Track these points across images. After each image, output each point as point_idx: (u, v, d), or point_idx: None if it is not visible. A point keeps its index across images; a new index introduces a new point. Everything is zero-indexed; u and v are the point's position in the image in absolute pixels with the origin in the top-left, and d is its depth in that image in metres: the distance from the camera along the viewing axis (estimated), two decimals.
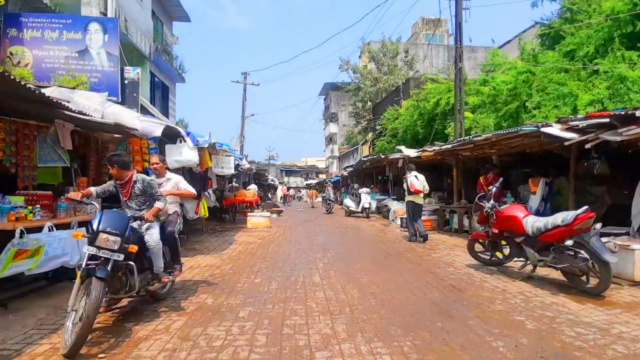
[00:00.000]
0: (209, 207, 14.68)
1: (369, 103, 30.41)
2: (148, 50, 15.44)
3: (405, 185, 9.55)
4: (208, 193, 11.59)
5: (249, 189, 19.14)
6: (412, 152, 12.55)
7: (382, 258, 7.30)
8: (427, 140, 15.01)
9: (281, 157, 62.85)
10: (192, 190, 4.93)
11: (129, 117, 6.73)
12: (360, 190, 16.45)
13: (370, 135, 31.31)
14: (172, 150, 7.07)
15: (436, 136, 15.71)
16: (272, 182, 39.02)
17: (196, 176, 12.13)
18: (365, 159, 18.24)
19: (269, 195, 29.80)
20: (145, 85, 15.50)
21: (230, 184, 20.06)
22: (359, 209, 16.08)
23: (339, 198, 27.49)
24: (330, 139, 48.79)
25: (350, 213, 16.80)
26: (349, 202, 16.73)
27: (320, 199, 27.96)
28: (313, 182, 48.65)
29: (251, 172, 22.58)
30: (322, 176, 50.20)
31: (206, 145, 7.74)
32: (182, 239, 8.83)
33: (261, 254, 7.89)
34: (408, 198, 9.37)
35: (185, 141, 7.00)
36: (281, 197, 33.64)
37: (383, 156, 14.92)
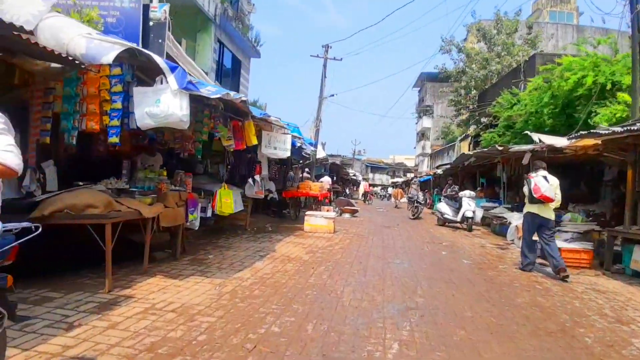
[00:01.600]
0: (266, 199, 11.81)
1: (474, 91, 25.10)
2: (213, 10, 13.03)
3: (526, 189, 6.24)
4: (252, 181, 8.57)
5: (321, 181, 16.02)
6: (559, 141, 8.06)
7: (536, 346, 3.32)
8: (557, 133, 10.34)
9: (368, 153, 58.93)
10: (8, 157, 1.58)
11: (72, 34, 3.80)
12: (462, 194, 12.11)
13: (472, 129, 25.99)
14: (145, 97, 3.97)
15: (573, 128, 10.96)
16: (355, 177, 35.59)
17: (243, 157, 9.22)
18: (470, 153, 13.74)
19: (347, 190, 26.38)
20: (207, 51, 13.16)
21: (302, 174, 17.17)
22: (458, 218, 11.79)
23: (428, 200, 22.94)
24: (422, 135, 43.62)
25: (444, 222, 12.58)
26: (444, 207, 12.50)
27: (406, 199, 23.74)
28: (400, 180, 44.07)
29: (327, 163, 19.40)
30: (410, 175, 45.22)
31: (216, 96, 4.55)
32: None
33: (291, 289, 4.46)
34: (529, 208, 6.24)
35: (167, 82, 3.86)
36: (362, 194, 30.06)
37: (501, 147, 10.42)
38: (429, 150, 40.17)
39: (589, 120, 10.78)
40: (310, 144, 13.71)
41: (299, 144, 10.53)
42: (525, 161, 10.45)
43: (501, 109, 16.60)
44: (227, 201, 6.33)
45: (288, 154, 8.89)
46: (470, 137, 27.47)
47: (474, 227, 11.61)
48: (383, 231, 10.67)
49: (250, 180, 8.59)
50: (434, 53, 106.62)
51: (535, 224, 6.13)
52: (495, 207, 12.55)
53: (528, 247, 6.23)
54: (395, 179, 49.28)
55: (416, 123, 45.65)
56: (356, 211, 14.62)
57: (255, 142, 7.62)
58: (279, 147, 8.77)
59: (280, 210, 12.78)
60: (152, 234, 4.86)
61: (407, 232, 10.90)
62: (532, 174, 6.25)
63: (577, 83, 11.27)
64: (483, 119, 23.90)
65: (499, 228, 10.92)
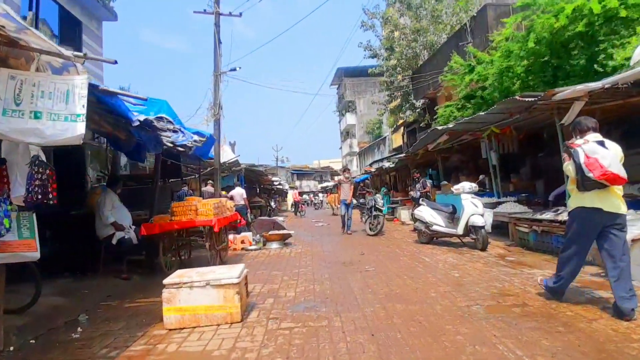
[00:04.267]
0: (111, 244, 5.83)
1: (404, 72, 21.14)
2: None
3: (570, 167, 3.33)
4: None
5: (230, 195, 10.24)
6: None
7: None
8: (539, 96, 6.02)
9: (292, 160, 53.56)
10: None
11: None
12: (457, 188, 7.21)
13: (407, 115, 21.99)
14: None
15: (556, 85, 7.32)
16: (281, 187, 29.92)
17: None
18: (448, 126, 8.94)
19: (272, 203, 20.59)
20: None
21: (205, 187, 11.18)
22: (459, 230, 6.84)
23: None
24: (347, 133, 39.65)
25: (431, 236, 7.57)
26: (429, 213, 7.47)
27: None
28: (330, 184, 39.48)
29: (239, 169, 13.46)
30: (338, 177, 40.94)
31: None
32: None
33: None
34: (579, 200, 3.37)
35: None
36: (292, 205, 24.54)
37: (532, 98, 5.60)
38: (356, 149, 36.20)
39: (606, 62, 7.00)
40: (199, 134, 7.67)
41: (150, 119, 4.58)
42: (568, 119, 5.91)
43: (455, 77, 12.43)
44: None
45: (79, 132, 2.93)
46: (402, 127, 23.68)
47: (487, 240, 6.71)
48: (350, 283, 5.17)
49: None
50: (350, 36, 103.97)
51: (595, 226, 3.28)
52: (499, 203, 7.91)
53: (567, 262, 3.44)
54: (324, 184, 44.65)
55: (339, 122, 41.64)
56: (288, 236, 8.98)
57: None
58: (48, 114, 2.84)
59: (149, 261, 6.63)
60: None
61: (396, 273, 5.54)
62: (577, 141, 3.42)
63: (574, 15, 7.47)
64: (418, 102, 20.07)
65: (535, 239, 6.16)
